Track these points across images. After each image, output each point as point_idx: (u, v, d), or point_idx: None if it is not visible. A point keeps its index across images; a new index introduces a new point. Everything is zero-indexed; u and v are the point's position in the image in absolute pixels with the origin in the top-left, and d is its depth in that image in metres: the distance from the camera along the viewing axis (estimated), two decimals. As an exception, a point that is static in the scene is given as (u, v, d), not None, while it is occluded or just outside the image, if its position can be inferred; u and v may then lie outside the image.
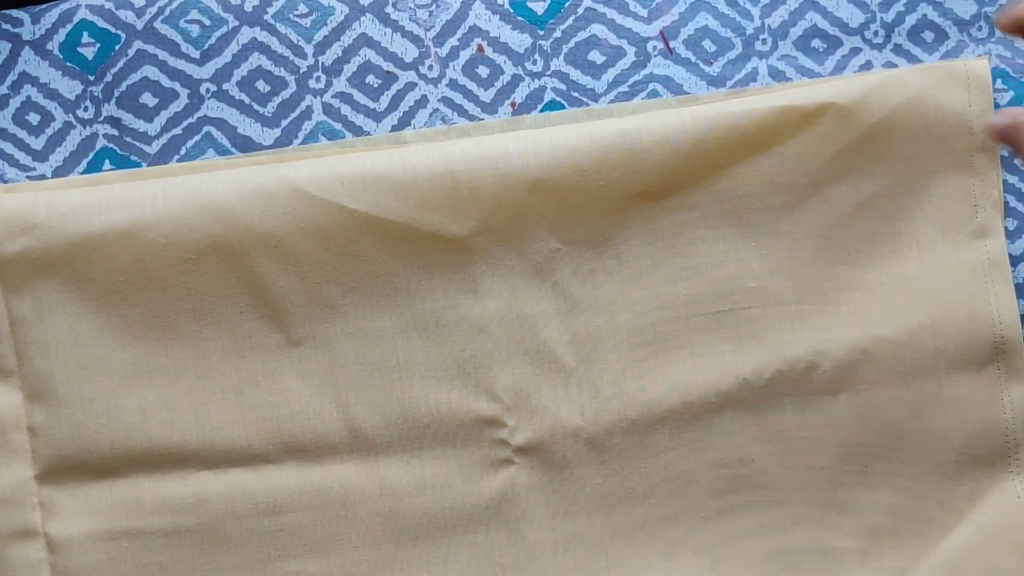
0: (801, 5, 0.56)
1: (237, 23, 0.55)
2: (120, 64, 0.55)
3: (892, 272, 0.53)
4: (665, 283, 0.53)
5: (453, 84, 0.56)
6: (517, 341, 0.53)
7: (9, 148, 0.55)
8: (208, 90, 0.55)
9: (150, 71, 0.55)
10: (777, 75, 0.56)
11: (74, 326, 0.52)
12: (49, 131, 0.55)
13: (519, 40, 0.56)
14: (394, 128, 0.56)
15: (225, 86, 0.55)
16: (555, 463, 0.53)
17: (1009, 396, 0.53)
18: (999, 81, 0.56)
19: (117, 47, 0.55)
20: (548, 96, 0.56)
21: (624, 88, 0.56)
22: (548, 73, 0.56)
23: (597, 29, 0.56)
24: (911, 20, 0.57)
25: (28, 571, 0.51)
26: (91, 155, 0.55)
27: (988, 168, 0.54)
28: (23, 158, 0.55)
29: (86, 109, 0.55)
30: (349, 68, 0.56)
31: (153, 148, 0.55)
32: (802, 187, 0.53)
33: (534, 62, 0.56)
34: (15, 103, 0.55)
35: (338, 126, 0.55)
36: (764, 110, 0.52)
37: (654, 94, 0.56)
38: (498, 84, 0.56)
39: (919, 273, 0.53)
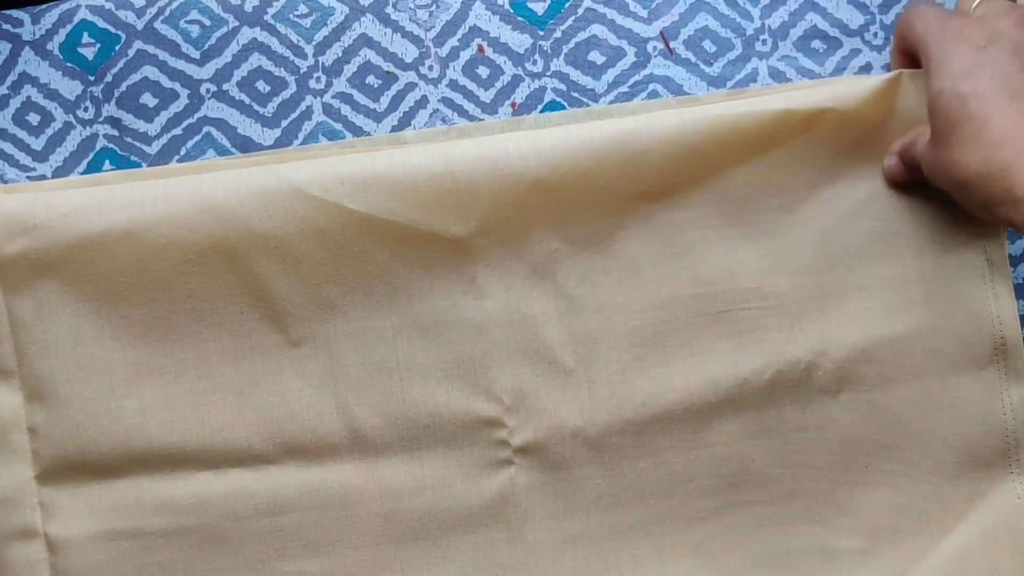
0: (801, 6, 0.57)
1: (237, 23, 0.55)
2: (120, 64, 0.55)
3: (892, 273, 0.53)
4: (664, 283, 0.53)
5: (453, 84, 0.56)
6: (517, 341, 0.53)
7: (9, 148, 0.55)
8: (208, 90, 0.55)
9: (150, 71, 0.55)
10: (777, 76, 0.56)
11: (74, 326, 0.52)
12: (49, 131, 0.55)
13: (519, 40, 0.56)
14: (394, 128, 0.56)
15: (225, 86, 0.55)
16: (555, 463, 0.53)
17: (1009, 397, 0.54)
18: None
19: (117, 47, 0.55)
20: (548, 96, 0.56)
21: (624, 88, 0.56)
22: (548, 73, 0.56)
23: (597, 29, 0.56)
24: (911, 21, 0.57)
25: (28, 571, 0.51)
26: (91, 155, 0.55)
27: (988, 169, 0.54)
28: (23, 158, 0.55)
29: (86, 109, 0.55)
30: (349, 68, 0.56)
31: (153, 148, 0.55)
32: (801, 188, 0.53)
33: (534, 62, 0.56)
34: (15, 103, 0.55)
35: (338, 126, 0.55)
36: (764, 113, 0.52)
37: (654, 94, 0.56)
38: (498, 84, 0.56)
39: (919, 274, 0.53)
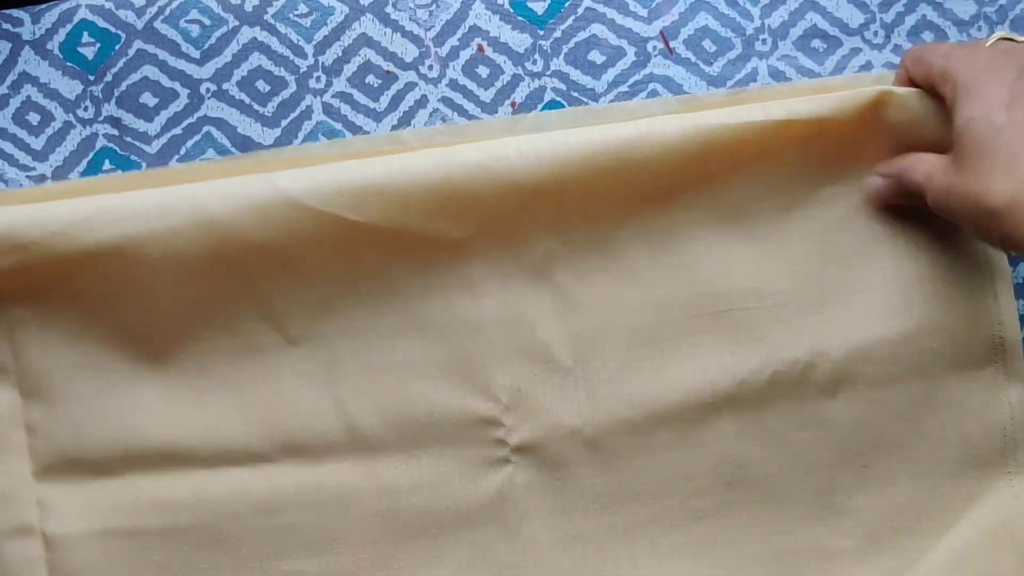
0: (801, 5, 0.56)
1: (237, 23, 0.55)
2: (120, 64, 0.55)
3: (890, 273, 0.53)
4: (663, 283, 0.53)
5: (453, 84, 0.56)
6: (515, 341, 0.53)
7: (9, 148, 0.55)
8: (208, 90, 0.55)
9: (150, 71, 0.55)
10: (777, 75, 0.56)
11: (72, 324, 0.52)
12: (49, 131, 0.55)
13: (519, 40, 0.56)
14: (394, 128, 0.56)
15: (225, 86, 0.55)
16: (553, 462, 0.53)
17: (1008, 397, 0.53)
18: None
19: (117, 47, 0.55)
20: (548, 96, 0.56)
21: (624, 88, 0.56)
22: (548, 73, 0.56)
23: (597, 29, 0.56)
24: (911, 21, 0.57)
25: (25, 569, 0.51)
26: (91, 155, 0.55)
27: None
28: (23, 158, 0.55)
29: (86, 109, 0.55)
30: (349, 68, 0.56)
31: (153, 148, 0.55)
32: (799, 189, 0.53)
33: (534, 62, 0.56)
34: (15, 103, 0.55)
35: (338, 126, 0.56)
36: (766, 123, 0.51)
37: (654, 94, 0.56)
38: (498, 84, 0.56)
39: (918, 274, 0.53)
